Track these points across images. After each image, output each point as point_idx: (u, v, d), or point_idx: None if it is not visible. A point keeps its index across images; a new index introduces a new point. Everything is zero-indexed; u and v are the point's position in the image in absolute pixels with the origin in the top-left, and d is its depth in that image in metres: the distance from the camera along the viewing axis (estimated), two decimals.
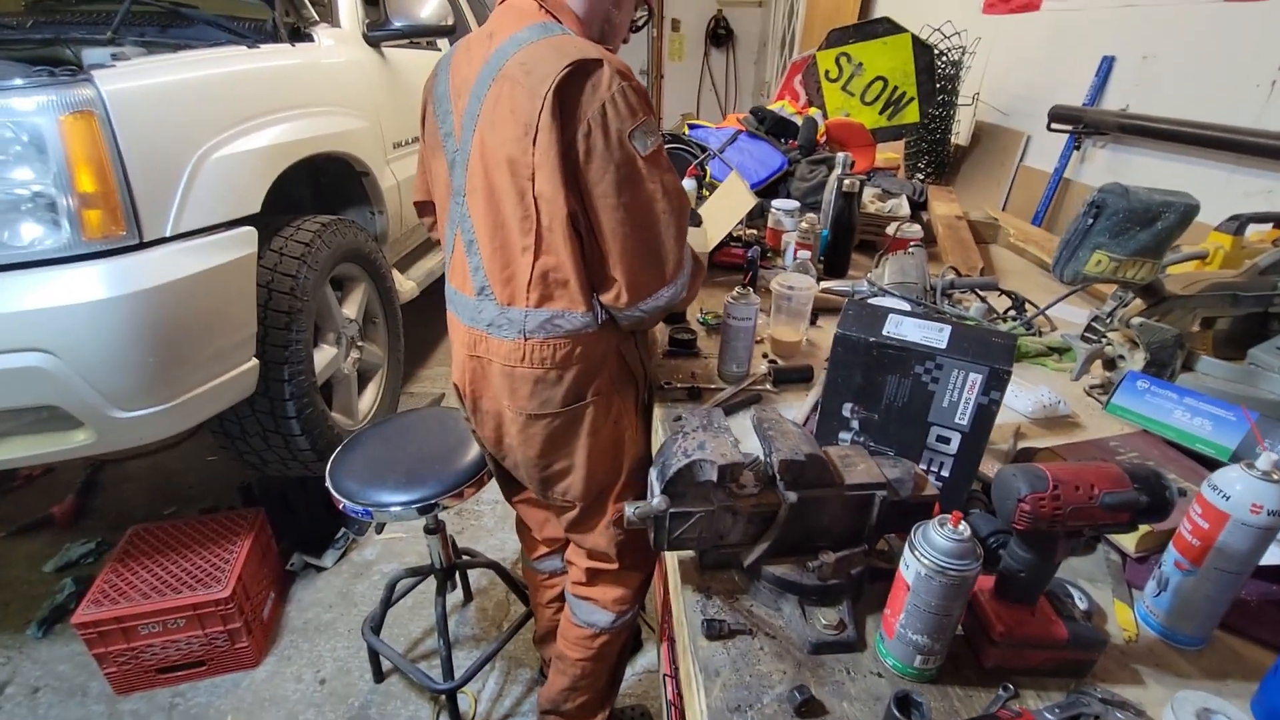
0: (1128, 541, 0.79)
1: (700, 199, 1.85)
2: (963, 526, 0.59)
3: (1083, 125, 1.84)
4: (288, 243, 1.75)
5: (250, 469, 1.94)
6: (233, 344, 1.56)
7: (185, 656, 1.62)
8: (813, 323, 1.39)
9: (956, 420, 0.80)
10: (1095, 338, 1.16)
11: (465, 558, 1.79)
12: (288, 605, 1.88)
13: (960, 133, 2.46)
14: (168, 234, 1.39)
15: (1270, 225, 1.18)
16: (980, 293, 1.44)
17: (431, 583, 1.63)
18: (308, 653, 1.74)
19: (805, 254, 1.50)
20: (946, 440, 0.82)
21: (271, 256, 1.70)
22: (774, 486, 0.71)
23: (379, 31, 2.35)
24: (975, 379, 0.77)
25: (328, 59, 2.09)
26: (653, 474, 0.73)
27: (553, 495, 1.12)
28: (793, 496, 0.69)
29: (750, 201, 1.72)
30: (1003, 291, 1.44)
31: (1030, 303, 1.41)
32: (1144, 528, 0.77)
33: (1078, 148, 1.90)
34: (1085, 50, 1.89)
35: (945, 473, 0.83)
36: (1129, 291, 1.07)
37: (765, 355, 1.27)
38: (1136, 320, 1.04)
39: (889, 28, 2.18)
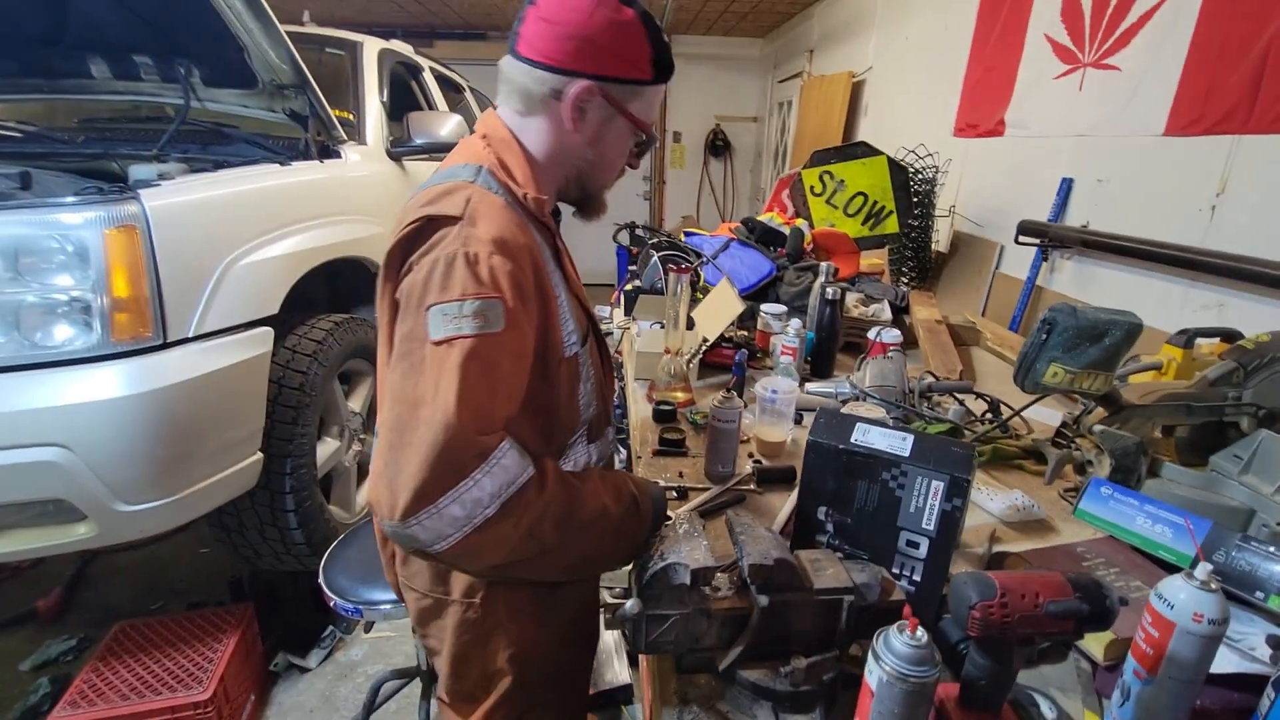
0: (1096, 650, 0.81)
1: (695, 301, 1.96)
2: (920, 632, 0.62)
3: (1048, 239, 1.98)
4: (301, 340, 1.85)
5: (243, 562, 1.94)
6: (240, 438, 1.62)
7: None
8: (798, 422, 1.45)
9: (924, 525, 0.84)
10: (1064, 443, 1.21)
11: None
12: (267, 709, 1.82)
13: (940, 241, 2.63)
14: (190, 335, 1.49)
15: (1217, 339, 1.26)
16: (958, 396, 1.50)
17: (417, 686, 1.59)
18: None
19: (788, 359, 1.57)
20: (916, 545, 0.85)
21: (285, 354, 1.79)
22: (748, 590, 0.75)
23: (401, 148, 2.58)
24: (938, 486, 0.82)
25: (352, 173, 2.28)
26: (631, 578, 0.77)
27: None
28: (764, 600, 0.72)
29: (738, 306, 1.83)
30: (979, 395, 1.51)
31: (1006, 405, 1.47)
32: (1110, 635, 0.79)
33: (1045, 259, 2.03)
34: (1047, 172, 2.06)
35: (917, 577, 0.86)
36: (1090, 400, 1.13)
37: (751, 455, 1.32)
38: (1099, 428, 1.10)
39: (866, 151, 2.38)
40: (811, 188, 2.53)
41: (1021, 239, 2.04)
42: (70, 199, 1.38)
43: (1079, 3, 1.93)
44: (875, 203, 2.40)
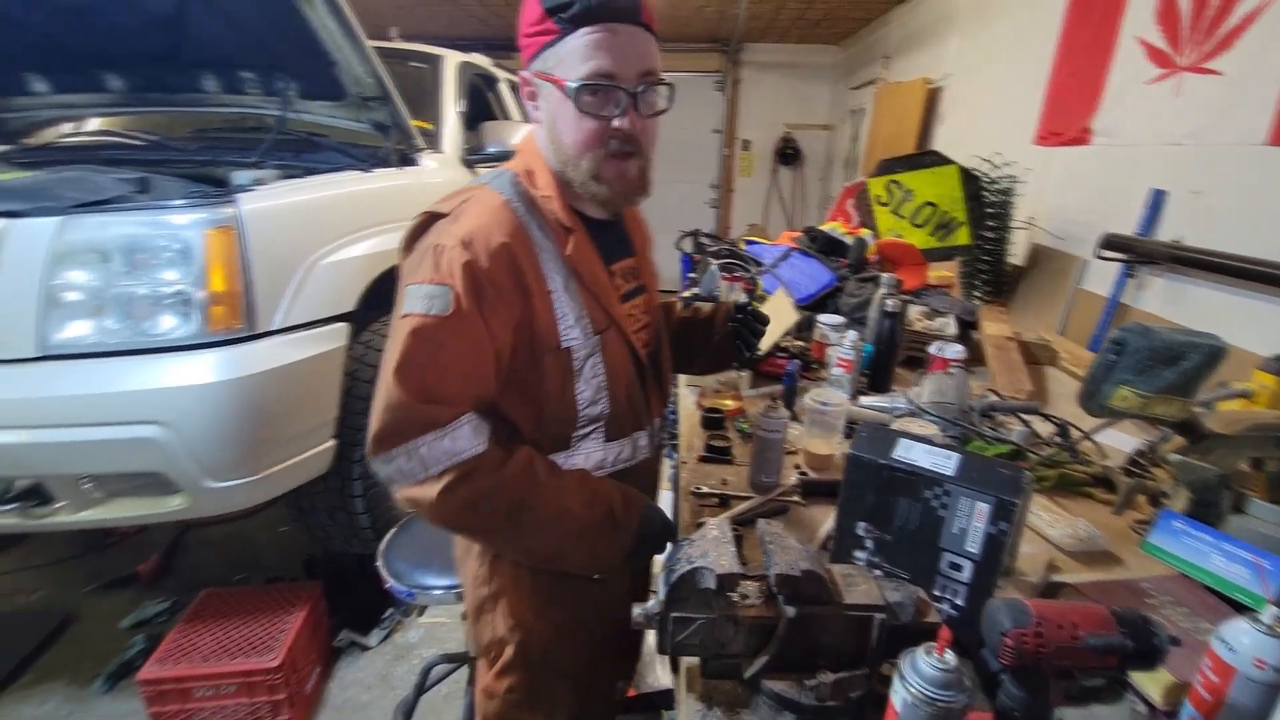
0: (1155, 692, 0.76)
1: None
2: (949, 656, 0.61)
3: (1135, 254, 1.85)
4: (374, 336, 1.97)
5: (316, 543, 2.07)
6: (316, 425, 1.74)
7: None
8: (848, 436, 1.42)
9: (967, 548, 0.81)
10: (1138, 472, 1.14)
11: None
12: (330, 681, 1.93)
13: (1017, 254, 2.50)
14: (276, 327, 1.61)
15: None
16: (1023, 416, 1.43)
17: (465, 672, 1.66)
18: None
19: (841, 371, 1.55)
20: (959, 568, 0.83)
21: (358, 349, 1.91)
22: (775, 600, 0.75)
23: (475, 156, 2.69)
24: (983, 508, 0.79)
25: (427, 180, 2.40)
26: (660, 578, 0.78)
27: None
28: (791, 611, 0.72)
29: (793, 315, 1.81)
30: (1046, 416, 1.43)
31: (1076, 428, 1.39)
32: (1170, 678, 0.74)
33: (1132, 275, 1.90)
34: (1135, 182, 1.93)
35: (960, 601, 0.84)
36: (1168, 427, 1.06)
37: (797, 467, 1.31)
38: (1176, 457, 1.03)
39: (936, 159, 2.30)
40: (877, 197, 2.47)
41: (1105, 253, 1.92)
42: (177, 202, 1.53)
43: (1176, 3, 1.81)
44: (945, 213, 2.32)
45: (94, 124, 2.69)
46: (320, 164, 2.14)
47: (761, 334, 1.23)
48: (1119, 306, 1.97)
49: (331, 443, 1.81)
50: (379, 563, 1.43)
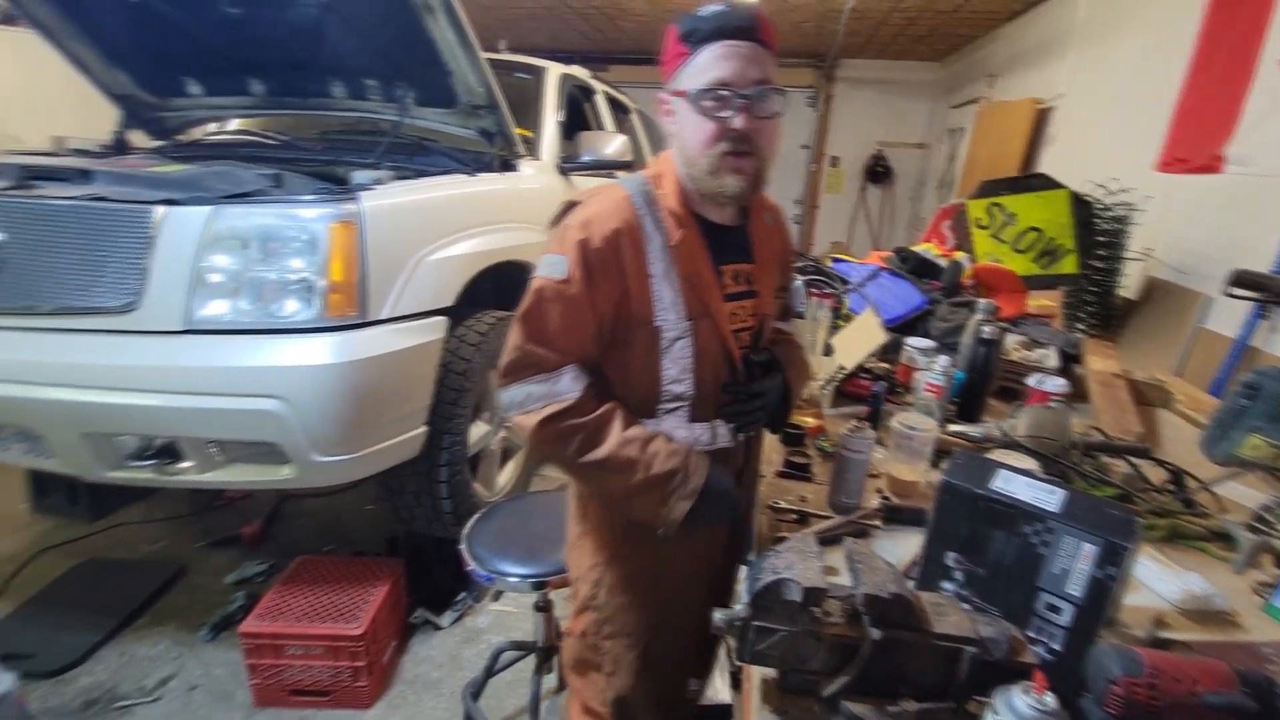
0: None
1: (835, 328, 1.93)
2: (1049, 697, 0.59)
3: (1270, 294, 1.70)
4: (468, 332, 2.07)
5: (400, 522, 2.19)
6: (411, 411, 1.85)
7: (315, 684, 1.81)
8: (934, 465, 1.38)
9: (1068, 590, 0.78)
10: (1264, 529, 1.05)
11: None
12: (404, 656, 2.04)
13: (1129, 287, 2.34)
14: (383, 316, 1.73)
15: None
16: (1131, 459, 1.35)
17: (531, 661, 1.71)
18: (413, 705, 1.87)
19: (930, 396, 1.50)
20: (1057, 609, 0.79)
21: (454, 342, 2.02)
22: (860, 620, 0.74)
23: (570, 164, 2.79)
24: (1090, 549, 0.76)
25: (525, 185, 2.51)
26: (743, 586, 0.79)
27: None
28: (877, 633, 0.71)
29: (881, 337, 1.77)
30: (1158, 461, 1.34)
31: (1193, 477, 1.29)
32: None
33: (1265, 316, 1.74)
34: (1272, 216, 1.77)
35: (1057, 645, 0.80)
36: None
37: (879, 491, 1.28)
38: None
39: (1044, 183, 2.20)
40: (977, 220, 2.38)
41: (1235, 291, 1.77)
42: (308, 197, 1.67)
43: None
44: (1051, 240, 2.21)
45: (234, 124, 2.98)
46: (430, 166, 2.28)
47: (758, 408, 1.13)
48: (1247, 349, 1.81)
49: (423, 429, 1.92)
50: (462, 546, 1.50)
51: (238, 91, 2.52)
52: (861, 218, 6.89)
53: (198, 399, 1.55)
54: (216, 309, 1.60)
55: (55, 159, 2.15)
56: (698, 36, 0.93)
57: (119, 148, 2.57)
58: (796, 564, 0.75)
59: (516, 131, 2.49)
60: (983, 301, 1.76)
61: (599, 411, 1.01)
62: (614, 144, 2.81)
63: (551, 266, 0.99)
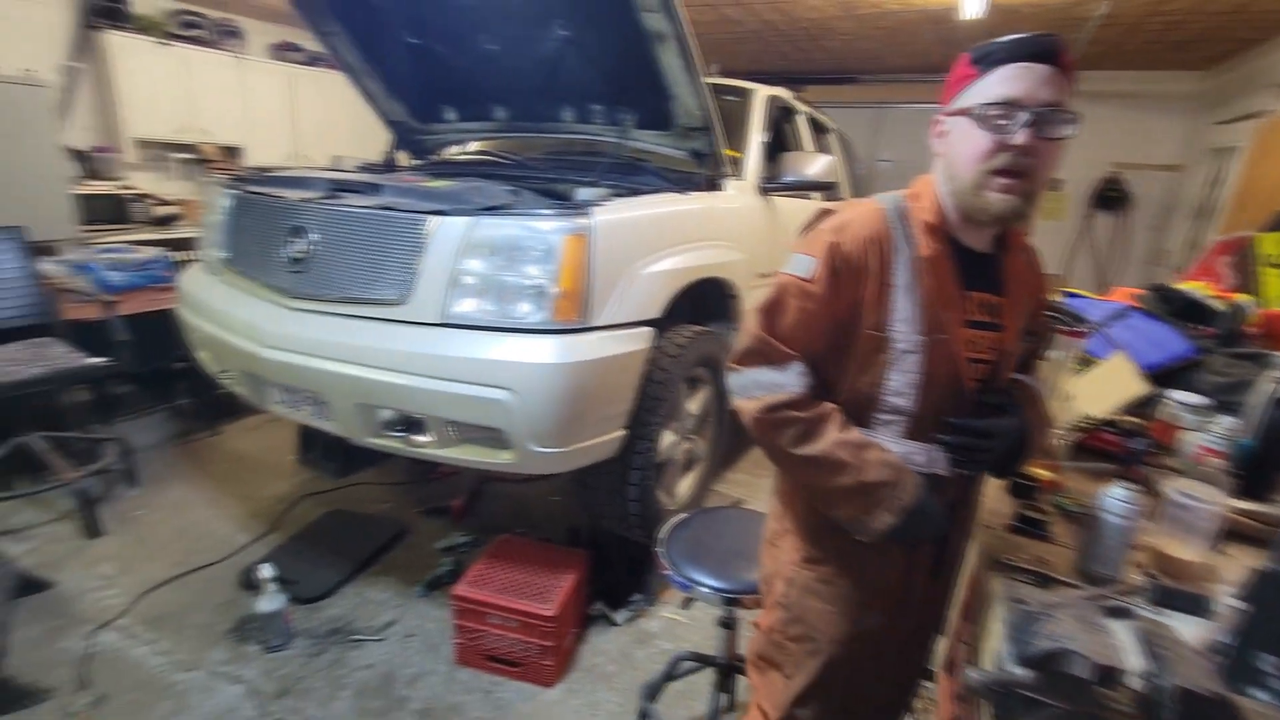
0: None
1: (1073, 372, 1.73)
2: None
3: None
4: (669, 343, 2.16)
5: (586, 517, 2.33)
6: (615, 414, 1.97)
7: (508, 653, 1.98)
8: (1214, 546, 1.17)
9: None
10: None
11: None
12: (582, 645, 2.16)
13: None
14: (601, 324, 1.86)
15: None
16: None
17: (704, 675, 1.72)
18: (589, 694, 1.97)
19: (1208, 462, 1.29)
20: None
21: (655, 352, 2.11)
22: (1156, 715, 0.65)
23: (771, 184, 2.80)
24: None
25: (728, 204, 2.56)
26: (1001, 644, 0.73)
27: None
28: None
29: (1139, 387, 1.56)
30: None
31: None
32: None
33: None
34: None
35: None
36: None
37: (1139, 566, 1.12)
38: None
39: None
40: (1269, 257, 2.00)
41: None
42: (547, 211, 1.86)
43: None
44: None
45: (473, 145, 3.39)
46: (642, 185, 2.42)
47: (986, 449, 1.06)
48: None
49: (622, 432, 2.03)
50: (659, 549, 1.56)
51: (484, 117, 2.88)
52: (1085, 248, 6.07)
53: (446, 384, 1.79)
54: (467, 306, 1.83)
55: (353, 174, 2.60)
56: (993, 59, 0.92)
57: (390, 166, 3.05)
58: (1080, 635, 0.68)
59: (726, 153, 2.55)
60: (1278, 356, 1.47)
61: (818, 409, 1.04)
62: (818, 164, 2.77)
63: (799, 265, 1.03)
